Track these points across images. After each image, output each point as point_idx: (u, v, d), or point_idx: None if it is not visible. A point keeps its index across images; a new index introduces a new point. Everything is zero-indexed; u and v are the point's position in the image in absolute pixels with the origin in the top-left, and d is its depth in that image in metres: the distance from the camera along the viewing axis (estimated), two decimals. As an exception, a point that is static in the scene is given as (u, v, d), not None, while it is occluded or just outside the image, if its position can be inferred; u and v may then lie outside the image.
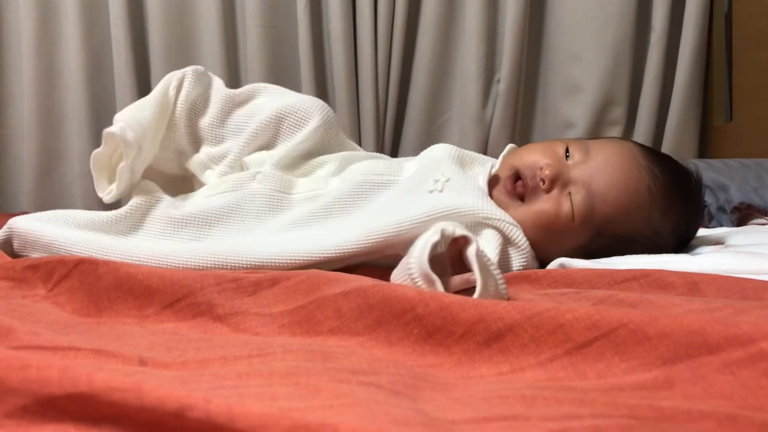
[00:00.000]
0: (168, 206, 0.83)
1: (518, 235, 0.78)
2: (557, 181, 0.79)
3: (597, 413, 0.33)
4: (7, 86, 1.86)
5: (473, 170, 0.87)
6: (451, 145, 0.89)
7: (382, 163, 0.89)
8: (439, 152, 0.87)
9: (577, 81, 1.87)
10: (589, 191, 0.79)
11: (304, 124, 0.90)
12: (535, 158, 0.82)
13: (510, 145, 0.92)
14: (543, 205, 0.80)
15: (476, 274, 0.53)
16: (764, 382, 0.35)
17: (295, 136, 0.90)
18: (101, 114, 1.86)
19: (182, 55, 1.87)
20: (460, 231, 0.56)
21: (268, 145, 0.91)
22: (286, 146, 0.90)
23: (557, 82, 1.91)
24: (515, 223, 0.78)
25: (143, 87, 1.86)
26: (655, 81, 1.85)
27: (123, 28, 1.79)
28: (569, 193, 0.79)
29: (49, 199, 1.86)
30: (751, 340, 0.37)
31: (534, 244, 0.80)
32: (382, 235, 0.75)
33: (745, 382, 0.36)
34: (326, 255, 0.74)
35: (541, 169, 0.80)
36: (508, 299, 0.55)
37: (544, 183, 0.79)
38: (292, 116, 0.91)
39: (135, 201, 0.82)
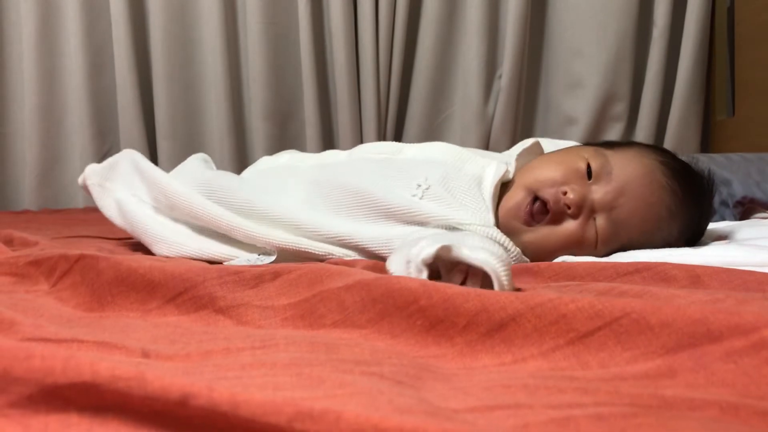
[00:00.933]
0: None
1: (496, 236, 0.75)
2: (583, 207, 0.77)
3: (600, 402, 0.34)
4: (8, 85, 1.87)
5: (475, 164, 0.85)
6: (453, 146, 0.87)
7: (386, 145, 0.92)
8: (437, 152, 0.86)
9: (578, 76, 1.87)
10: (611, 218, 0.77)
11: None
12: (555, 178, 0.78)
13: (533, 140, 0.89)
14: (569, 229, 0.77)
15: (480, 266, 0.54)
16: (766, 371, 0.35)
17: None
18: (102, 112, 1.86)
19: (183, 54, 1.87)
20: (432, 248, 0.55)
21: None
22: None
23: (559, 78, 1.91)
24: (490, 225, 0.76)
25: (144, 85, 1.86)
26: (657, 76, 1.85)
27: (124, 26, 1.79)
28: (594, 218, 0.78)
29: (50, 196, 1.87)
30: (753, 328, 0.37)
31: (543, 260, 0.79)
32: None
33: (747, 371, 0.36)
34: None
35: (565, 193, 0.77)
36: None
37: (569, 209, 0.77)
38: None
39: None
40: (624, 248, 0.79)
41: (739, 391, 0.35)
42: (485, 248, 0.58)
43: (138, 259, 0.64)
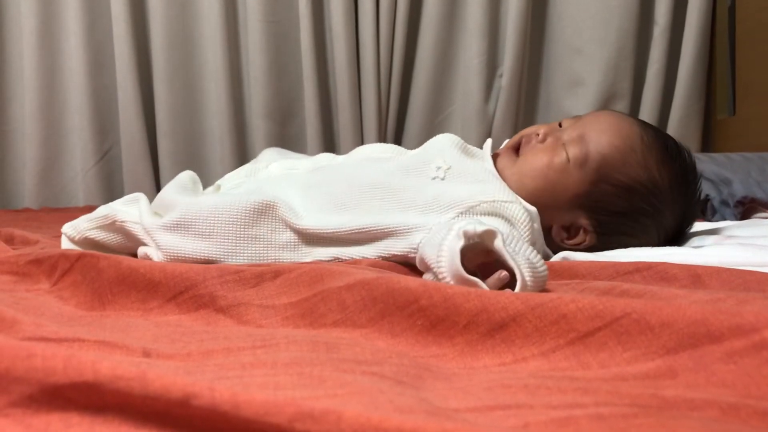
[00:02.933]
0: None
1: (516, 212, 0.77)
2: (551, 135, 0.84)
3: (600, 402, 0.34)
4: (9, 83, 1.87)
5: (478, 152, 0.88)
6: (455, 136, 0.89)
7: (387, 146, 0.91)
8: (443, 140, 0.88)
9: (579, 75, 1.87)
10: (582, 138, 0.82)
11: None
12: (532, 128, 0.87)
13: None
14: (537, 151, 0.83)
15: (512, 264, 0.55)
16: (766, 371, 0.35)
17: None
18: (103, 110, 1.86)
19: (184, 51, 1.87)
20: (481, 227, 0.57)
21: None
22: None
23: (560, 76, 1.91)
24: (512, 199, 0.78)
25: (145, 83, 1.86)
26: (658, 75, 1.84)
27: (124, 24, 1.79)
28: (563, 144, 0.83)
29: (51, 194, 1.87)
30: (753, 329, 0.37)
31: (535, 197, 0.80)
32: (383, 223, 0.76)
33: (747, 371, 0.36)
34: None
35: (538, 134, 0.85)
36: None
37: (539, 136, 0.84)
38: None
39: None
40: (601, 170, 0.81)
41: (739, 391, 0.35)
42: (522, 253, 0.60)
43: (138, 259, 0.64)
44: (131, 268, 0.60)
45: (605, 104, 1.86)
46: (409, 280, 0.49)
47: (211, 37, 1.84)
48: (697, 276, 0.62)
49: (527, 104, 1.93)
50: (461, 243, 0.56)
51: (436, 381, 0.38)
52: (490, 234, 0.57)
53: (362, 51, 1.85)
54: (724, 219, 1.15)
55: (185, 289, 0.57)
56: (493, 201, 0.76)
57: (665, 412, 0.32)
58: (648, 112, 1.85)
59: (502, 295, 0.45)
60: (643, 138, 0.83)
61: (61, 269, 0.68)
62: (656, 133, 0.86)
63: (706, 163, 1.28)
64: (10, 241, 0.94)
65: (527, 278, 0.55)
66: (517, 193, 0.79)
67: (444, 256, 0.57)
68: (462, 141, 0.88)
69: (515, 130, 1.88)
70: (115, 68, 1.82)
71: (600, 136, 0.82)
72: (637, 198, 0.81)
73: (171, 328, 0.52)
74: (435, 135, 1.95)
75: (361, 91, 1.86)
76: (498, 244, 0.57)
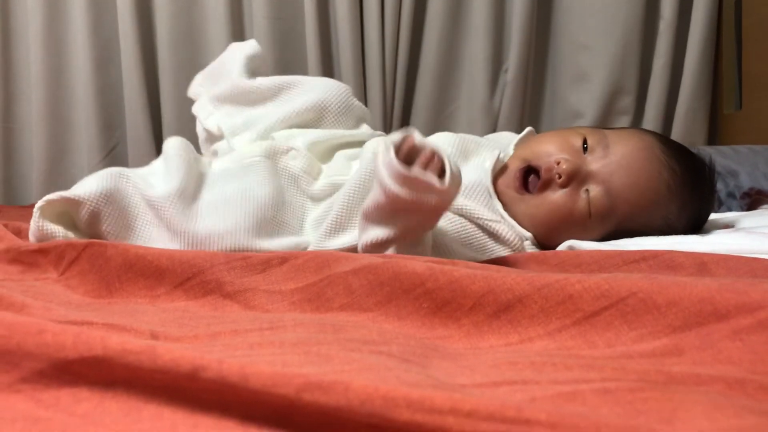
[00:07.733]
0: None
1: (502, 231, 0.76)
2: (575, 178, 0.76)
3: (606, 377, 0.34)
4: (16, 80, 1.87)
5: (479, 157, 0.85)
6: (455, 135, 0.87)
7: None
8: (439, 144, 0.86)
9: (585, 70, 1.86)
10: (608, 189, 0.77)
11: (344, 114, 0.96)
12: (550, 150, 0.79)
13: (528, 129, 0.90)
14: (557, 199, 0.77)
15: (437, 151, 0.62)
16: (773, 348, 0.35)
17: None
18: (109, 107, 1.87)
19: (190, 48, 1.87)
20: (397, 135, 0.63)
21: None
22: (318, 132, 0.92)
23: (565, 71, 1.90)
24: (497, 219, 0.77)
25: (151, 80, 1.86)
26: (664, 69, 1.84)
27: (130, 21, 1.79)
28: (586, 189, 0.77)
29: (57, 190, 1.87)
30: (759, 306, 0.37)
31: (543, 237, 0.79)
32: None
33: (753, 348, 0.36)
34: None
35: (558, 163, 0.76)
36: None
37: (560, 177, 0.76)
38: (335, 106, 0.94)
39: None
40: (621, 225, 0.79)
41: (745, 367, 0.35)
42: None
43: (145, 246, 0.65)
44: (138, 256, 0.60)
45: (611, 99, 1.85)
46: (416, 264, 0.49)
47: (217, 34, 1.84)
48: (703, 264, 0.62)
49: (533, 99, 1.92)
50: (392, 151, 0.61)
51: (443, 360, 0.39)
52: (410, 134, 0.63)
53: (367, 47, 1.85)
54: (731, 210, 1.15)
55: (192, 275, 0.57)
56: (478, 218, 0.76)
57: (671, 387, 0.32)
58: (654, 106, 1.85)
59: (508, 277, 0.45)
60: (670, 186, 0.78)
61: (68, 258, 0.68)
62: (683, 171, 0.80)
63: (712, 156, 1.27)
64: (17, 235, 0.94)
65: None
66: (527, 230, 0.78)
67: (382, 169, 0.61)
68: (461, 140, 0.86)
69: (521, 126, 1.87)
70: (122, 65, 1.83)
71: (629, 191, 0.77)
72: (649, 236, 0.79)
73: (178, 313, 0.52)
74: (440, 130, 1.94)
75: (367, 86, 1.86)
76: (419, 137, 0.63)
